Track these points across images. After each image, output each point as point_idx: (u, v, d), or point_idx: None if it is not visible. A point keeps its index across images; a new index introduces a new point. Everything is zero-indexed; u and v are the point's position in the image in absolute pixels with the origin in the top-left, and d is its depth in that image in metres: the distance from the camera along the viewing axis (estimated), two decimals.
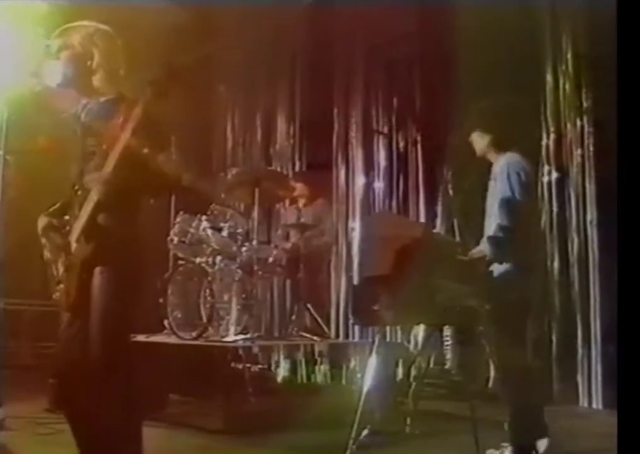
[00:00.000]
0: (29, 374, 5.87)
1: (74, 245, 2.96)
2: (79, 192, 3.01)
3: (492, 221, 4.01)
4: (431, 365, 6.20)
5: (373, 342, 4.37)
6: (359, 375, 5.92)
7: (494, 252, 3.96)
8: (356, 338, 7.77)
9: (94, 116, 3.09)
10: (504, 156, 4.12)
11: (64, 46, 3.15)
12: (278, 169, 8.76)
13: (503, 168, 4.04)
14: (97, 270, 2.91)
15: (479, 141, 4.25)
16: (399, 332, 7.27)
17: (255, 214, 6.09)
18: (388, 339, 7.11)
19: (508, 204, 3.93)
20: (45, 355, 7.01)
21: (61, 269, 3.00)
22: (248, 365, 5.49)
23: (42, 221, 3.11)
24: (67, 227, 3.02)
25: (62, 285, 2.98)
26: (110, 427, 2.85)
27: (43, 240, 3.07)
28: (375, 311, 3.86)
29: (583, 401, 6.27)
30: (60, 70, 3.14)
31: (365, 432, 4.06)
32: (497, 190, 4.03)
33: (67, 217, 3.05)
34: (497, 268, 4.02)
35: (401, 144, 8.24)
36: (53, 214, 3.12)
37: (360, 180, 8.41)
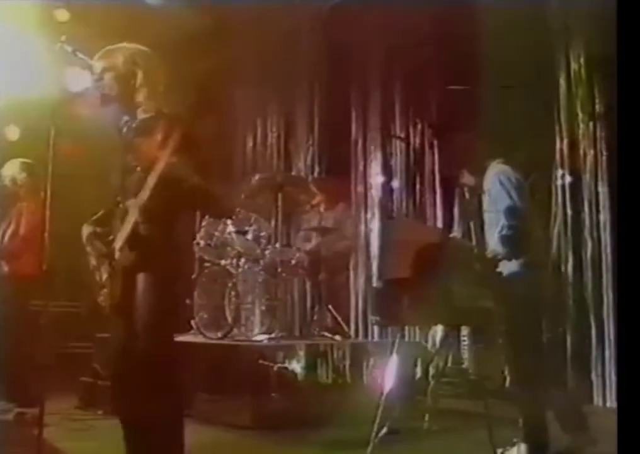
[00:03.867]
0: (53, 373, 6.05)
1: (117, 253, 3.16)
2: (121, 205, 3.22)
3: (493, 232, 4.18)
4: (449, 364, 6.35)
5: (394, 341, 4.53)
6: (378, 374, 6.08)
7: (505, 250, 4.15)
8: (375, 338, 7.94)
9: (135, 133, 3.30)
10: (492, 169, 4.30)
11: (108, 68, 3.35)
12: (298, 173, 8.91)
13: (494, 178, 4.21)
14: (140, 276, 3.12)
15: (467, 179, 4.54)
16: (417, 332, 7.43)
17: (278, 218, 6.28)
18: (406, 339, 7.25)
19: (509, 206, 4.09)
20: (67, 355, 7.18)
21: (104, 275, 3.20)
22: (272, 364, 5.65)
23: (87, 230, 3.33)
24: (111, 237, 3.23)
25: (105, 290, 3.19)
26: (157, 423, 3.07)
27: (88, 248, 3.28)
28: (396, 312, 4.06)
29: (598, 401, 6.33)
30: (105, 90, 3.35)
31: (384, 430, 4.21)
32: (494, 198, 4.19)
33: (109, 228, 3.27)
34: (508, 268, 4.19)
35: (418, 148, 8.31)
36: (96, 223, 3.34)
37: (378, 183, 8.52)
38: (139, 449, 3.18)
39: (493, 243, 4.18)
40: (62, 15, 7.96)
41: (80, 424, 4.93)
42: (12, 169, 5.88)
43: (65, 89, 3.61)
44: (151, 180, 3.03)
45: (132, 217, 3.09)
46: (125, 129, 3.35)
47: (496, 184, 4.18)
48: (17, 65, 7.54)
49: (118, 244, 3.15)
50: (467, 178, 4.53)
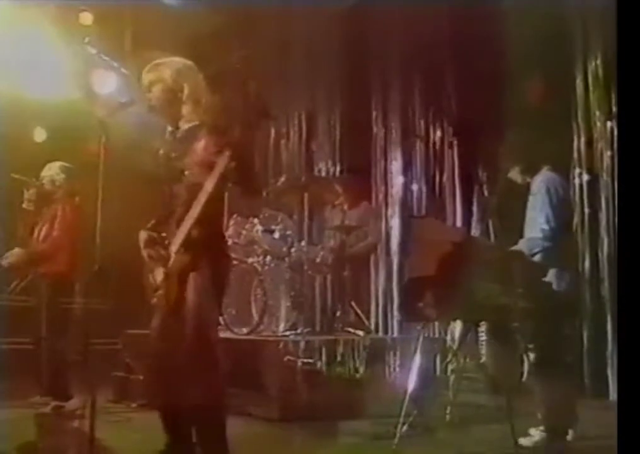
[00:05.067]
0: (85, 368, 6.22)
1: (173, 256, 3.36)
2: (176, 210, 3.41)
3: (532, 230, 4.43)
4: (467, 359, 6.49)
5: (417, 337, 4.70)
6: (401, 368, 6.25)
7: (535, 251, 4.41)
8: (395, 333, 8.11)
9: (180, 142, 3.50)
10: (540, 175, 4.63)
11: (156, 81, 3.54)
12: (319, 173, 9.10)
13: (541, 184, 4.54)
14: (192, 275, 3.33)
15: (515, 174, 4.81)
16: (436, 328, 7.56)
17: (305, 217, 6.44)
18: (427, 335, 7.37)
19: (549, 214, 4.42)
20: (95, 351, 7.36)
21: (159, 278, 3.39)
22: (297, 359, 5.81)
23: (144, 235, 3.52)
24: (166, 242, 3.42)
25: (160, 292, 3.38)
26: (203, 414, 3.28)
27: (145, 252, 3.47)
28: (421, 308, 4.25)
29: (613, 395, 6.43)
30: (152, 101, 3.54)
31: (405, 427, 4.32)
32: (537, 202, 4.44)
33: (164, 233, 3.46)
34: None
35: (438, 147, 8.43)
36: (152, 229, 3.53)
37: (398, 182, 8.65)
38: (184, 440, 3.38)
39: (523, 242, 4.42)
40: (86, 18, 8.13)
41: (117, 416, 5.12)
42: (52, 170, 6.06)
43: (111, 99, 3.79)
44: (209, 185, 3.22)
45: (188, 222, 3.29)
46: (170, 138, 3.55)
47: (542, 190, 4.49)
48: (43, 68, 7.72)
49: (174, 247, 3.34)
50: (516, 175, 4.79)
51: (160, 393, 3.42)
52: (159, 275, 3.39)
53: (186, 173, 3.39)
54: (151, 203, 3.70)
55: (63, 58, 7.96)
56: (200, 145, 3.36)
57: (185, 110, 3.54)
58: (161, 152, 3.56)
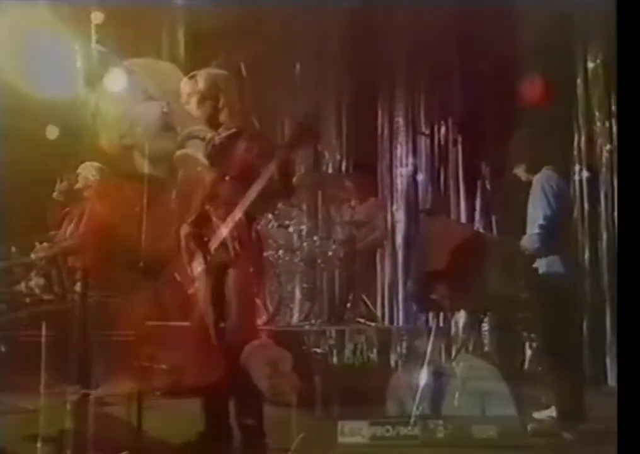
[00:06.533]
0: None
1: (212, 253, 3.61)
2: (216, 210, 3.67)
3: (532, 226, 4.69)
4: (471, 348, 6.73)
5: (429, 328, 4.95)
6: (410, 357, 6.48)
7: (536, 247, 4.63)
8: (401, 324, 8.38)
9: (220, 148, 3.75)
10: (540, 174, 4.85)
11: (193, 92, 3.79)
12: (326, 169, 9.28)
13: (538, 183, 4.78)
14: (231, 271, 3.59)
15: (520, 171, 5.02)
16: (441, 319, 7.79)
17: (317, 212, 6.66)
18: (431, 325, 7.61)
19: (546, 210, 4.65)
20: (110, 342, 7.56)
21: (197, 269, 3.64)
22: (311, 348, 6.03)
23: (184, 230, 3.76)
24: (205, 238, 3.67)
25: (197, 284, 3.64)
26: (241, 397, 3.55)
27: (184, 245, 3.72)
28: (434, 300, 4.52)
29: (612, 382, 6.68)
30: (191, 111, 3.78)
31: (417, 413, 4.60)
32: (536, 200, 4.71)
33: (204, 230, 3.71)
34: (541, 264, 4.69)
35: (442, 144, 8.67)
36: (193, 225, 3.77)
37: (403, 178, 8.89)
38: (222, 420, 3.65)
39: (525, 238, 4.69)
40: (97, 17, 8.27)
41: (144, 403, 5.33)
42: (87, 169, 6.28)
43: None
44: (256, 188, 3.47)
45: (232, 221, 3.53)
46: (209, 145, 3.80)
47: (538, 188, 4.72)
48: (54, 66, 7.88)
49: (215, 244, 3.59)
50: (521, 172, 5.02)
51: (201, 376, 3.66)
52: (196, 267, 3.64)
53: (227, 177, 3.63)
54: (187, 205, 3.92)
55: (74, 56, 8.11)
56: (240, 151, 3.61)
57: (222, 118, 3.79)
58: (201, 158, 3.80)
